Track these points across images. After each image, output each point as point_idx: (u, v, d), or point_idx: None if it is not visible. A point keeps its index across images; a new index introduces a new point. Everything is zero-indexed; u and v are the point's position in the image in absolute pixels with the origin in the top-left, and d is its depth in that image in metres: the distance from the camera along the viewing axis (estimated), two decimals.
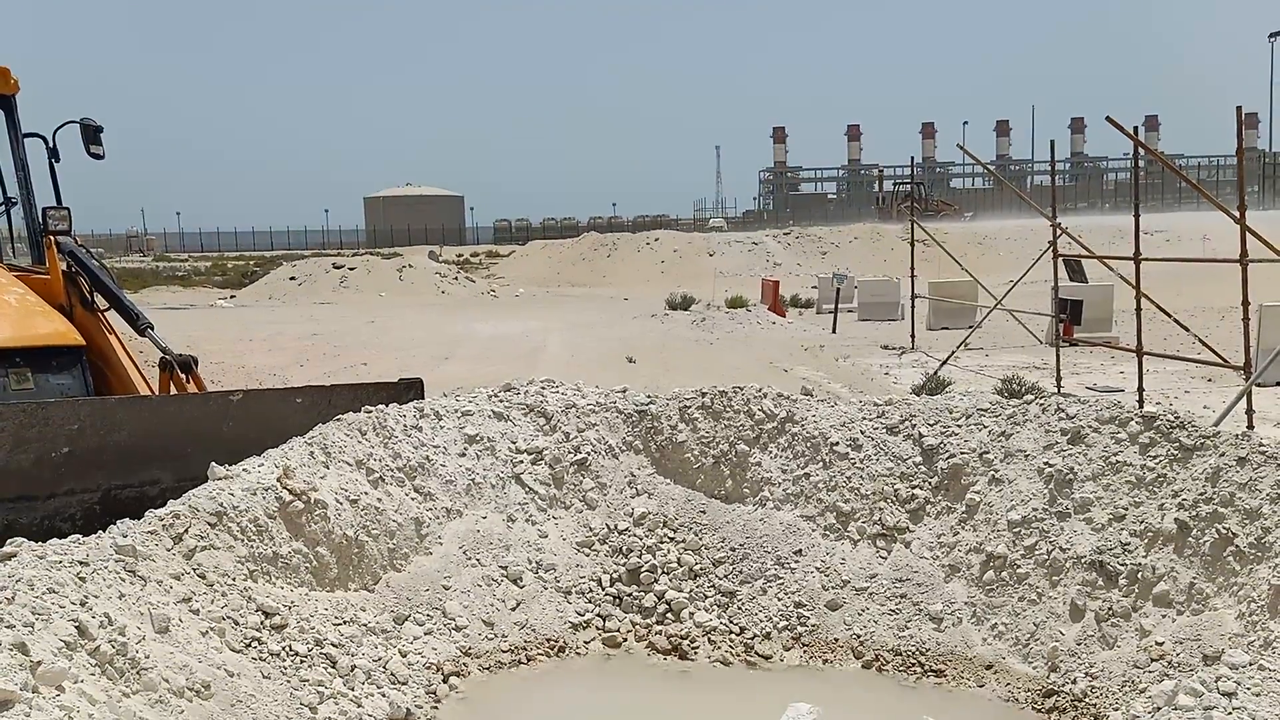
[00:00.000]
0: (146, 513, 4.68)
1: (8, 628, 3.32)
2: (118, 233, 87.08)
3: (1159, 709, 2.70)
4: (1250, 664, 2.96)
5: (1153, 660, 4.58)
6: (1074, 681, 4.75)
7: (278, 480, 5.14)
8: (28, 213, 7.64)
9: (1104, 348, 15.98)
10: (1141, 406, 11.68)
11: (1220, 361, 11.28)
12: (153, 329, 7.29)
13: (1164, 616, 4.75)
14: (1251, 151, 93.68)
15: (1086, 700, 4.65)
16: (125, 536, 4.36)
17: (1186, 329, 12.18)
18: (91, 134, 7.63)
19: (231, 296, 39.60)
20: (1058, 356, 13.81)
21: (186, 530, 4.63)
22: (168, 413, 6.07)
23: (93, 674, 3.46)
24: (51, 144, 7.48)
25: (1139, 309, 12.43)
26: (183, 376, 7.02)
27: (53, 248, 7.19)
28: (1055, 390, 13.00)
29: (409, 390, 6.79)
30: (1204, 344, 11.70)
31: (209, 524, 4.71)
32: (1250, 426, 10.08)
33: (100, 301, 7.22)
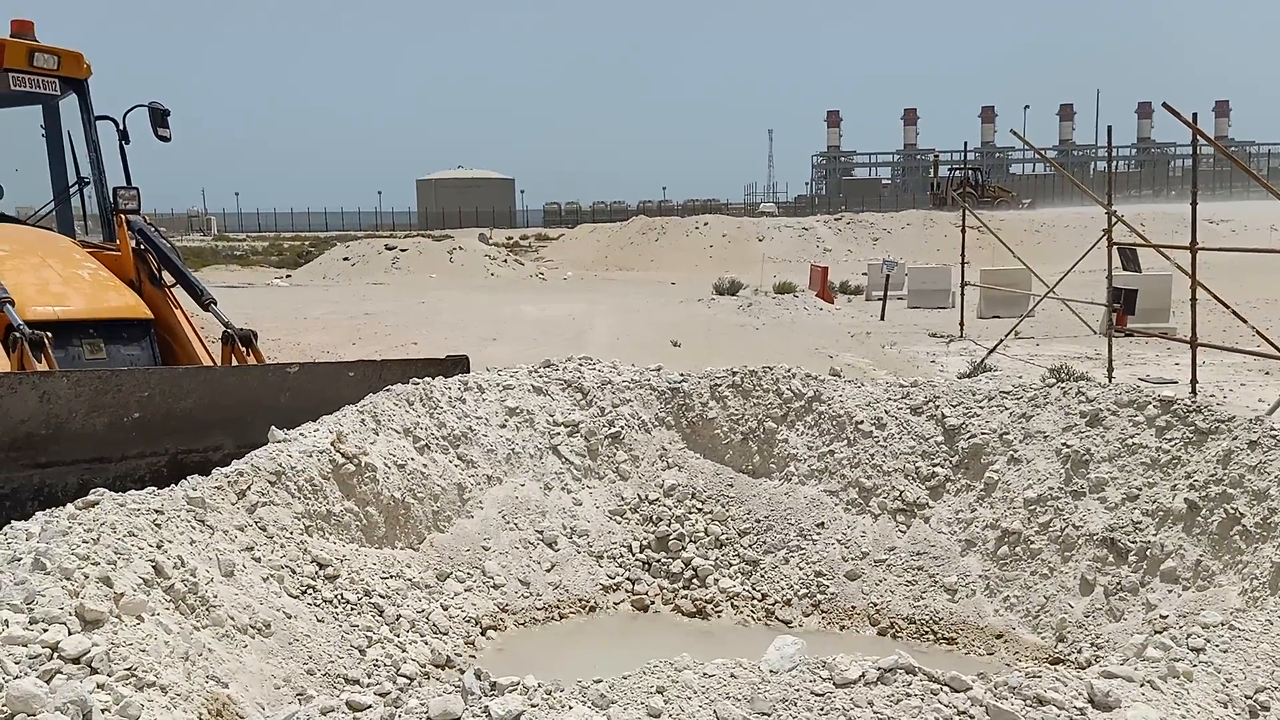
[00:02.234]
0: (214, 470, 5.08)
1: (94, 564, 3.72)
2: (179, 212, 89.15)
3: (1127, 660, 2.93)
4: (1222, 624, 3.17)
5: (1155, 633, 4.77)
6: (1080, 651, 4.96)
7: (331, 444, 5.53)
8: (99, 192, 8.07)
9: (1159, 339, 15.78)
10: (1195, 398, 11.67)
11: (1277, 354, 11.16)
12: (216, 304, 7.65)
13: (1170, 591, 4.94)
14: None
15: (1091, 669, 4.86)
16: (195, 490, 4.77)
17: (1245, 320, 12.02)
18: (159, 117, 8.03)
19: (287, 276, 40.51)
20: (1110, 346, 13.65)
21: (249, 487, 5.03)
22: (230, 383, 6.38)
23: (168, 608, 3.86)
24: (122, 126, 7.88)
25: (1194, 299, 12.33)
26: (243, 349, 7.33)
27: (123, 226, 7.60)
28: (1107, 382, 12.97)
29: (455, 366, 7.10)
30: (1263, 336, 11.58)
31: (269, 482, 5.11)
32: None
33: (167, 278, 7.59)
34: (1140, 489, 5.40)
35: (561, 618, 5.64)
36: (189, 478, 4.95)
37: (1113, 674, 2.70)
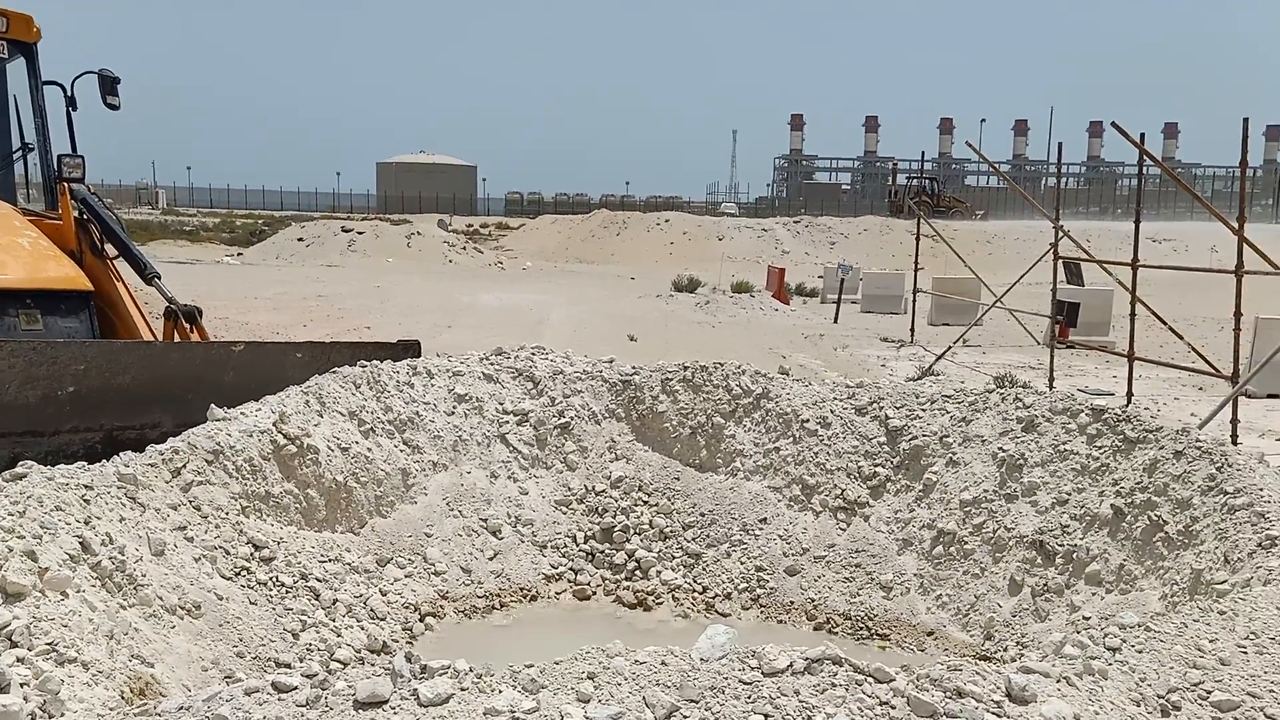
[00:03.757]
0: (148, 447, 5.01)
1: (19, 537, 3.66)
2: (128, 184, 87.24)
3: (1045, 656, 3.01)
4: (1138, 625, 3.26)
5: (1076, 632, 4.90)
6: (1005, 649, 5.07)
7: (273, 425, 5.47)
8: (43, 159, 7.87)
9: (1099, 351, 16.21)
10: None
11: (1211, 370, 11.50)
12: (160, 279, 7.48)
13: (1094, 594, 5.07)
14: (1270, 165, 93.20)
15: (1010, 664, 4.97)
16: (127, 466, 4.69)
17: (1180, 336, 12.39)
18: (109, 84, 7.86)
19: (239, 254, 39.88)
20: (1051, 357, 14.05)
21: (184, 465, 4.96)
22: (171, 359, 6.27)
23: (94, 585, 3.80)
24: (69, 93, 7.71)
25: (1133, 314, 12.68)
26: (187, 326, 7.20)
27: (66, 194, 7.43)
28: (1047, 392, 13.27)
29: (406, 351, 7.02)
30: (1197, 352, 11.92)
31: (206, 461, 5.04)
32: (1234, 436, 10.35)
33: (110, 249, 7.44)
34: (1070, 494, 5.54)
35: (502, 606, 5.64)
36: (121, 454, 4.87)
37: (1030, 669, 2.77)
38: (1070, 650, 2.99)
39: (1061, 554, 5.30)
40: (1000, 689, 2.61)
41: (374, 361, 6.46)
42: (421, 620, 5.32)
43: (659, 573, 5.92)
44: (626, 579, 5.91)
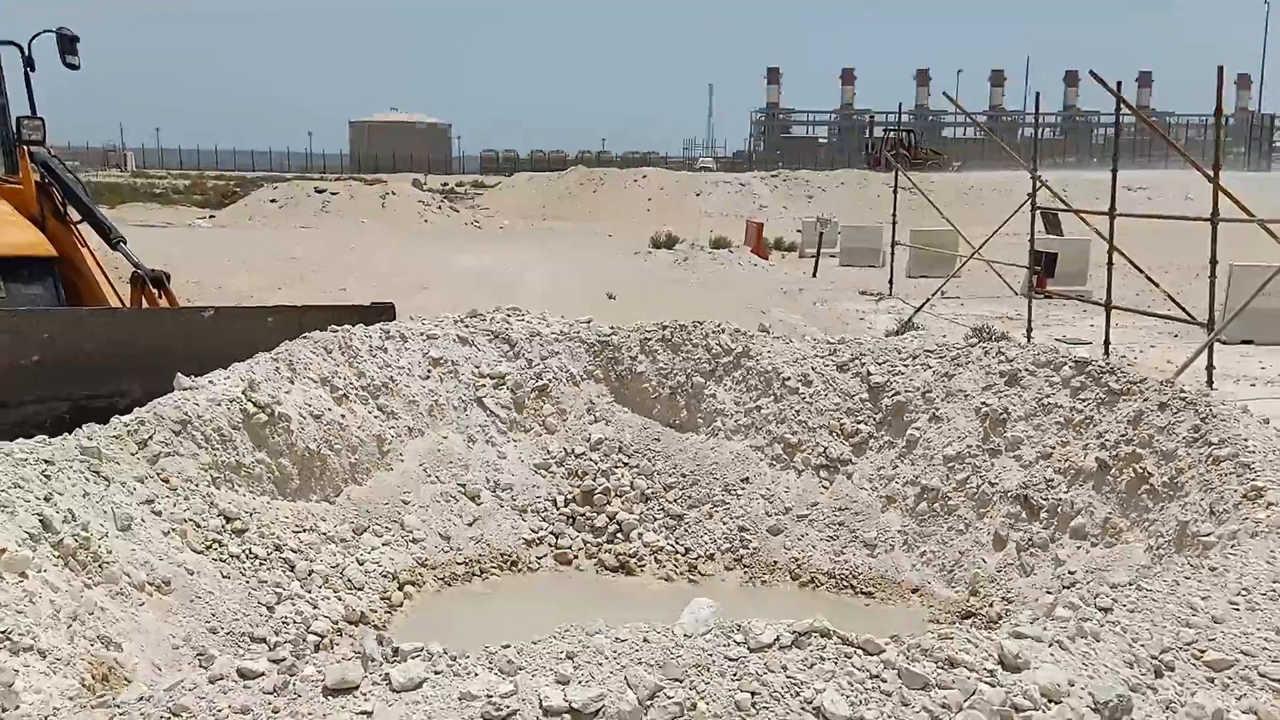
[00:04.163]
0: (112, 418, 4.85)
1: None
2: (95, 146, 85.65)
3: (1037, 619, 2.95)
4: (1130, 584, 3.21)
5: (1064, 588, 4.87)
6: (991, 605, 5.04)
7: (243, 393, 5.32)
8: (2, 122, 7.63)
9: (1076, 301, 16.26)
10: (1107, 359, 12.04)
11: (1186, 318, 11.55)
12: (125, 243, 7.32)
13: (1079, 548, 5.04)
14: (1243, 113, 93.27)
15: (1001, 622, 4.94)
16: (91, 439, 4.55)
17: (1157, 284, 12.40)
18: (67, 44, 7.56)
19: (210, 217, 39.21)
20: (1030, 308, 14.09)
21: (151, 436, 4.82)
22: (139, 326, 6.16)
23: (55, 565, 3.67)
24: (27, 53, 7.42)
25: (1110, 264, 12.67)
26: (154, 291, 7.06)
27: (26, 158, 7.18)
28: (1025, 342, 13.32)
29: (380, 315, 6.88)
30: (1174, 300, 11.96)
31: (173, 431, 4.90)
32: (1209, 382, 10.40)
33: (73, 214, 7.23)
34: (1054, 447, 5.49)
35: (483, 573, 5.55)
36: (84, 426, 4.72)
37: (1022, 634, 2.71)
38: (1062, 612, 2.93)
39: (1046, 508, 5.27)
40: (993, 656, 2.54)
41: (346, 326, 6.31)
42: (400, 589, 5.23)
43: (640, 535, 5.85)
44: (608, 542, 5.84)
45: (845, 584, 5.50)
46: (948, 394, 5.98)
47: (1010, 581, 5.15)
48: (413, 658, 2.42)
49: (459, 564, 5.55)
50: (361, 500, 5.61)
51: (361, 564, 5.20)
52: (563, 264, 23.13)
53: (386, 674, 2.36)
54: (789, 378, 6.29)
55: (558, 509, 5.98)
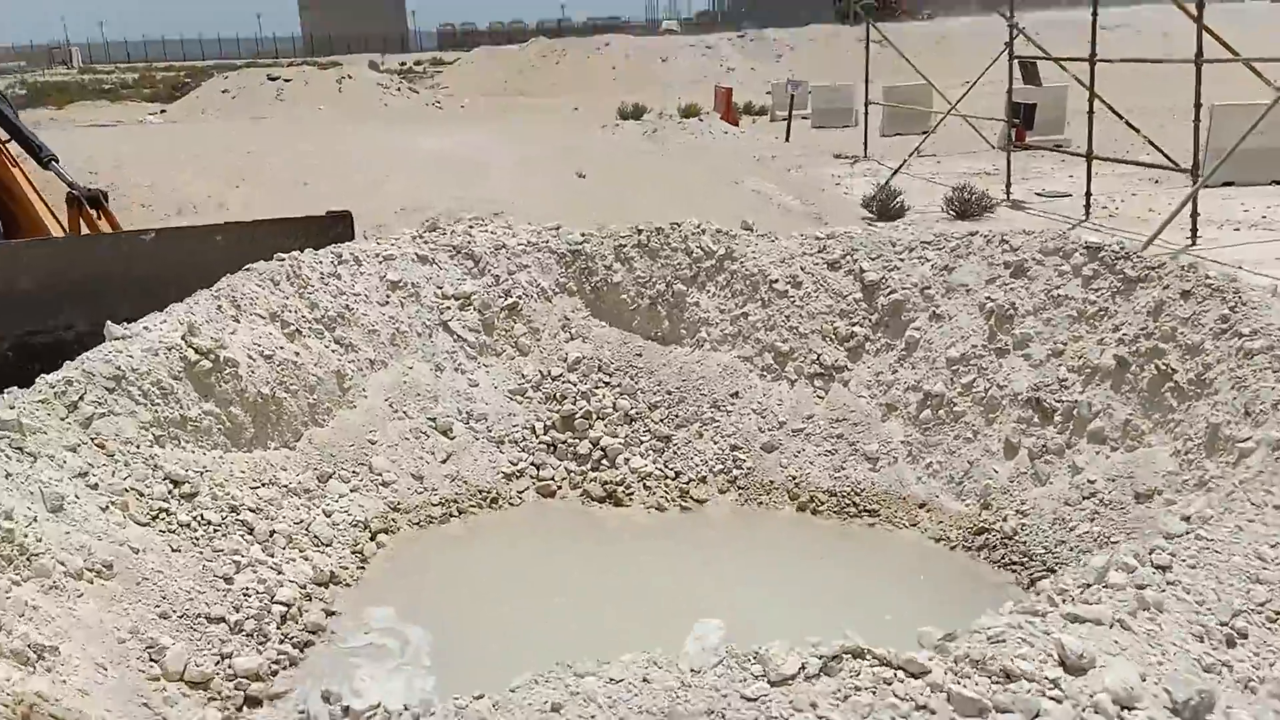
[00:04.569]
0: (36, 380, 4.38)
1: None
2: (39, 45, 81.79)
3: (1089, 585, 2.60)
4: (1187, 533, 2.85)
5: (1084, 498, 4.57)
6: (1005, 519, 4.74)
7: (181, 338, 4.83)
8: None
9: (1055, 152, 15.84)
10: (1088, 210, 11.68)
11: (1169, 164, 11.12)
12: (57, 161, 6.97)
13: (1097, 454, 4.70)
14: None
15: (1016, 538, 4.66)
16: (11, 408, 4.07)
17: (1137, 130, 11.92)
18: None
19: (162, 111, 37.54)
20: (1009, 162, 13.67)
21: (81, 397, 4.34)
22: (77, 255, 5.91)
23: None
24: None
25: (1091, 112, 12.12)
26: (93, 212, 6.75)
27: None
28: (1005, 198, 12.94)
29: (337, 223, 6.49)
30: (1154, 146, 11.51)
31: (106, 389, 4.43)
32: (1194, 230, 10.04)
33: (0, 133, 6.79)
34: (1066, 344, 5.10)
35: (461, 513, 5.19)
36: (3, 394, 4.24)
37: (1079, 617, 2.36)
38: (1116, 577, 2.57)
39: (1060, 411, 4.91)
40: (1052, 657, 2.19)
41: (294, 254, 5.76)
42: (373, 539, 4.87)
43: (627, 460, 5.48)
44: (593, 470, 5.47)
45: (847, 502, 5.17)
46: (948, 289, 5.55)
47: (1024, 492, 4.83)
48: (367, 718, 2.04)
49: (434, 505, 5.18)
50: (324, 443, 5.20)
51: (329, 515, 4.83)
52: (528, 143, 22.19)
53: None
54: (776, 280, 5.83)
55: (537, 437, 5.58)
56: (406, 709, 2.10)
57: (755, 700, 2.08)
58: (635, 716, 2.04)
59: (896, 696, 2.09)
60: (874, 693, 2.10)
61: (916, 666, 2.16)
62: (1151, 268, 5.04)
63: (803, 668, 2.14)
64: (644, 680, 2.15)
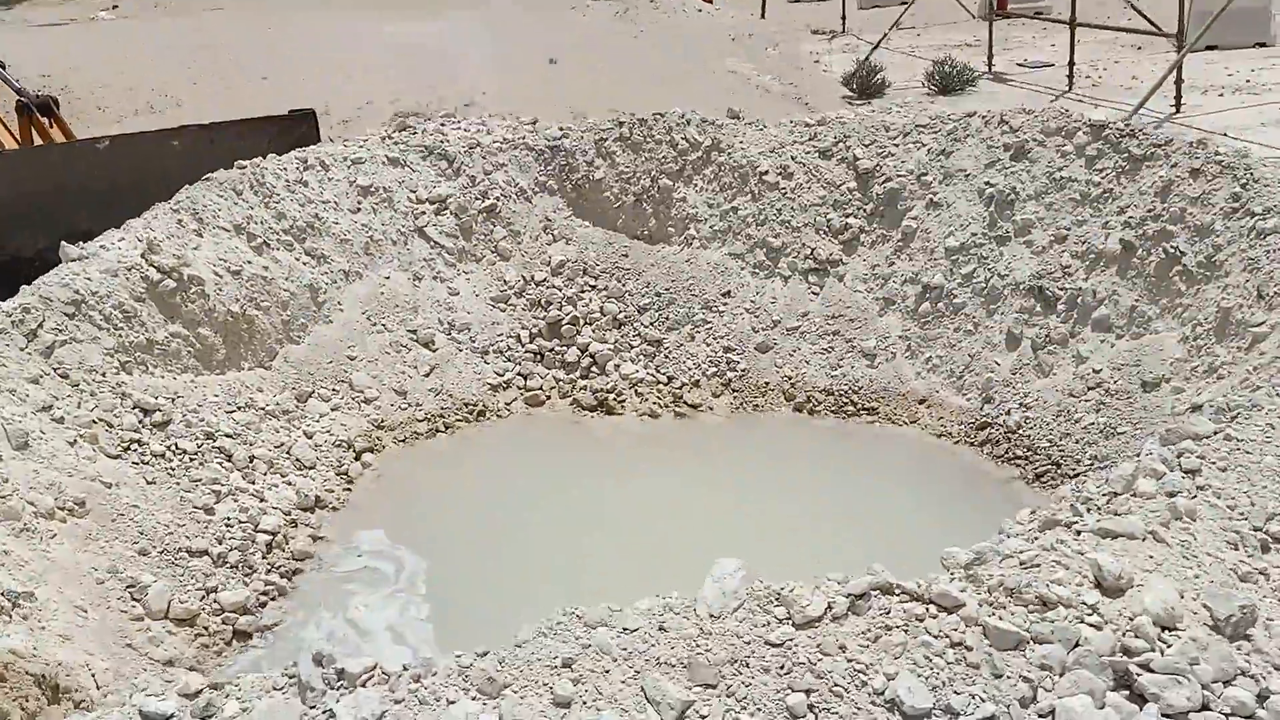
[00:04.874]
0: None
1: None
2: None
3: (1116, 494, 2.47)
4: (1216, 433, 2.71)
5: (1089, 389, 4.44)
6: (1008, 413, 4.62)
7: (142, 257, 4.56)
8: None
9: (1036, 20, 15.39)
10: (1071, 80, 11.33)
11: (1153, 29, 10.76)
12: (4, 67, 6.92)
13: (1102, 342, 4.56)
14: None
15: (1020, 433, 4.55)
16: None
17: None
18: None
19: (114, 6, 35.83)
20: (990, 32, 13.24)
21: (41, 324, 4.10)
22: (28, 168, 5.80)
23: None
24: None
25: None
26: (44, 120, 6.63)
27: None
28: (987, 70, 12.56)
29: (300, 124, 6.25)
30: (1137, 10, 11.12)
31: (66, 315, 4.19)
32: (1179, 96, 9.74)
33: None
34: (1069, 229, 4.90)
35: (447, 428, 5.03)
36: None
37: (1111, 531, 2.23)
38: (1145, 485, 2.44)
39: (1064, 299, 4.75)
40: (1089, 579, 2.06)
41: (256, 160, 5.43)
42: (357, 459, 4.72)
43: (617, 366, 5.31)
44: (582, 378, 5.30)
45: (845, 400, 5.04)
46: (946, 175, 5.31)
47: (1027, 384, 4.70)
48: (363, 682, 1.89)
49: (420, 421, 5.01)
50: (301, 361, 4.99)
51: (310, 437, 4.65)
52: (495, 28, 21.31)
53: (330, 710, 1.84)
54: (766, 171, 5.56)
55: (523, 346, 5.39)
56: (406, 669, 1.95)
57: (780, 646, 1.95)
58: (652, 671, 1.91)
59: (930, 634, 1.97)
60: (906, 630, 1.97)
61: (950, 600, 2.03)
62: (1157, 145, 4.80)
63: (829, 608, 2.01)
64: (660, 629, 2.01)
